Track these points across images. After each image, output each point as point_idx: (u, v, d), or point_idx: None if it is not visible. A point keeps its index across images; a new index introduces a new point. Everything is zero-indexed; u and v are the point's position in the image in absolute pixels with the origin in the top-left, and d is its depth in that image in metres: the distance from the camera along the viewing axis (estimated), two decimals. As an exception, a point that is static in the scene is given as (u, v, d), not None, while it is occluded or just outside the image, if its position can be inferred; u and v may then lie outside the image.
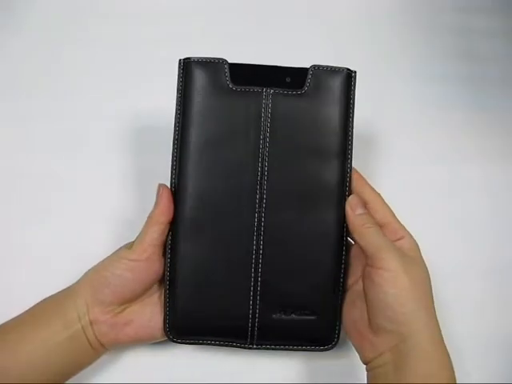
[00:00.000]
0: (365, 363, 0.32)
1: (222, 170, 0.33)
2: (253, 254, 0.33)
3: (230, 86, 0.33)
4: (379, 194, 0.34)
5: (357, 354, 0.33)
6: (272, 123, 0.33)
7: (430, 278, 0.32)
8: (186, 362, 0.39)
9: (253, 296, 0.33)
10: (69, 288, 0.35)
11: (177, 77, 0.35)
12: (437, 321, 0.31)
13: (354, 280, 0.34)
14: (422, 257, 0.32)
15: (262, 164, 0.33)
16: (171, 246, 0.34)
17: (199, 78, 0.34)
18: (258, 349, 0.33)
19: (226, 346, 0.33)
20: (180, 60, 0.35)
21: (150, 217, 0.34)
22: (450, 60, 0.51)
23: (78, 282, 0.35)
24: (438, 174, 0.46)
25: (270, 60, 0.45)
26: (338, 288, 0.33)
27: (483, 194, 0.45)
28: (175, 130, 0.34)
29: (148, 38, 0.50)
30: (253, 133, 0.33)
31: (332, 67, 0.34)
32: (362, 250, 0.32)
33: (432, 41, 0.52)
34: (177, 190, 0.34)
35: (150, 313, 0.34)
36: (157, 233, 0.33)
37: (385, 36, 0.52)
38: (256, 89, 0.33)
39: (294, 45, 0.50)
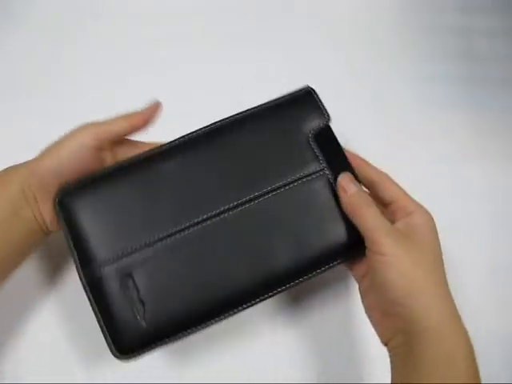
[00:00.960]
0: (384, 345, 0.31)
1: None
2: None
3: (310, 139, 0.31)
4: (385, 173, 0.33)
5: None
6: None
7: (438, 254, 0.30)
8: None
9: None
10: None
11: None
12: (449, 295, 0.29)
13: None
14: (432, 231, 0.30)
15: None
16: None
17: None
18: None
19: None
20: None
21: (126, 115, 0.33)
22: (451, 60, 0.51)
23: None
24: (438, 173, 0.46)
25: (271, 61, 0.45)
26: None
27: (484, 194, 0.45)
28: None
29: (148, 38, 0.50)
30: None
31: None
32: (362, 233, 0.30)
33: (432, 41, 0.52)
34: None
35: None
36: (123, 130, 0.33)
37: (385, 36, 0.52)
38: (321, 160, 0.31)
39: (294, 45, 0.50)
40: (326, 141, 0.31)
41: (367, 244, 0.29)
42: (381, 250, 0.28)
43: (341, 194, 0.30)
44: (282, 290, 0.30)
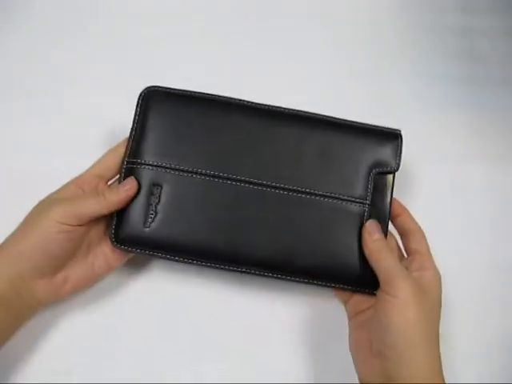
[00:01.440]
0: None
1: None
2: None
3: (372, 174, 0.33)
4: (421, 228, 0.34)
5: None
6: None
7: (439, 313, 0.32)
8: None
9: None
10: None
11: None
12: (438, 356, 0.30)
13: (369, 305, 0.34)
14: (439, 292, 0.32)
15: None
16: None
17: None
18: None
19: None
20: None
21: (107, 197, 0.32)
22: (451, 60, 0.51)
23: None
24: (438, 173, 0.46)
25: (271, 60, 0.45)
26: None
27: (484, 194, 0.45)
28: None
29: (148, 37, 0.50)
30: None
31: None
32: (377, 275, 0.32)
33: (433, 41, 0.52)
34: None
35: (90, 261, 0.34)
36: (100, 213, 0.33)
37: (386, 36, 0.52)
38: (369, 195, 0.33)
39: (294, 45, 0.50)
40: (383, 184, 0.33)
41: (382, 286, 0.31)
42: (396, 292, 0.30)
43: (365, 235, 0.32)
44: (270, 276, 0.32)
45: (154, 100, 0.33)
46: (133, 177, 0.33)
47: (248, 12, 0.52)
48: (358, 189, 0.32)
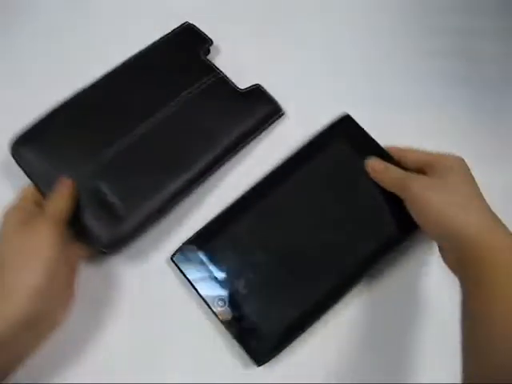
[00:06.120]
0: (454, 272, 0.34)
1: None
2: None
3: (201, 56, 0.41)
4: (409, 147, 0.38)
5: None
6: None
7: (471, 180, 0.35)
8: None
9: None
10: None
11: None
12: (492, 213, 0.33)
13: None
14: (462, 168, 0.35)
15: None
16: None
17: None
18: None
19: None
20: None
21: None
22: (450, 60, 0.51)
23: None
24: None
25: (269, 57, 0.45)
26: None
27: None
28: None
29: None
30: None
31: None
32: (393, 190, 0.35)
33: (431, 40, 0.52)
34: None
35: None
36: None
37: (384, 37, 0.52)
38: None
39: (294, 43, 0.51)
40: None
41: (400, 195, 0.35)
42: (407, 192, 0.34)
43: (371, 174, 0.37)
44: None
45: (22, 149, 0.38)
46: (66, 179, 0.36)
47: (250, 12, 0.52)
48: (206, 70, 0.40)
